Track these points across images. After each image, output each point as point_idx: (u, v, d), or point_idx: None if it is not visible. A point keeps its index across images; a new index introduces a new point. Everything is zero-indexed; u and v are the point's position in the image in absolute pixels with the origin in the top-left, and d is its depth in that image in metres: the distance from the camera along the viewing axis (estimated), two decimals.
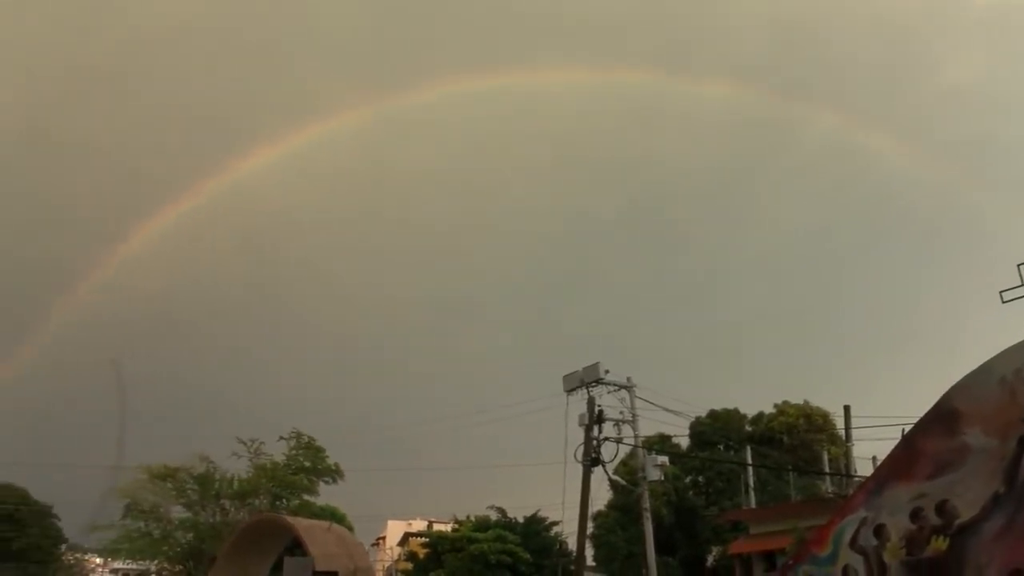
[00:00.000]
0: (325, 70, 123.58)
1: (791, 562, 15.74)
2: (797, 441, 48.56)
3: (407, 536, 66.75)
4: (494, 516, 46.26)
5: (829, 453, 42.59)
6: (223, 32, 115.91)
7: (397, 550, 70.31)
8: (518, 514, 46.93)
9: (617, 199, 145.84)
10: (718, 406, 51.49)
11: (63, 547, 76.06)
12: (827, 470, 40.94)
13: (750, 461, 43.33)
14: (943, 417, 11.27)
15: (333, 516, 44.30)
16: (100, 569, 79.64)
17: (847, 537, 12.31)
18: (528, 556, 43.08)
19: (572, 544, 41.87)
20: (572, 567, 40.57)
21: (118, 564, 72.37)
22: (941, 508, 10.92)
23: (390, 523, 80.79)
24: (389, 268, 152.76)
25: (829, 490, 38.15)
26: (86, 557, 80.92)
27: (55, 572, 56.87)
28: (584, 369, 27.31)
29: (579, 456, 26.50)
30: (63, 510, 74.69)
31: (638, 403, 28.96)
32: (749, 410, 52.32)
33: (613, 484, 35.46)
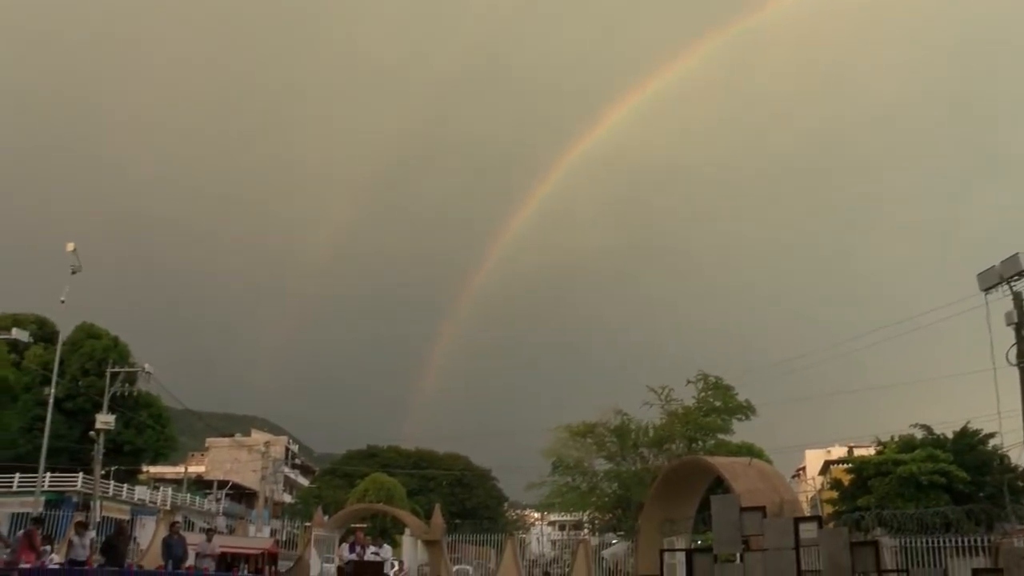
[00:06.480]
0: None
1: None
2: None
3: (827, 464, 64.97)
4: (919, 435, 43.33)
5: None
6: None
7: (818, 479, 68.77)
8: (945, 430, 43.57)
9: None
10: None
11: (505, 504, 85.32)
12: None
13: None
14: None
15: (750, 452, 44.09)
16: (538, 522, 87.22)
17: None
18: (965, 474, 39.90)
19: (1016, 457, 38.22)
20: (1021, 483, 37.17)
21: (553, 516, 79.03)
22: None
23: (808, 453, 79.23)
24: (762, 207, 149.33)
25: None
26: (525, 512, 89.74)
27: (504, 526, 63.62)
28: (1002, 263, 24.57)
29: (1011, 358, 24.02)
30: (500, 472, 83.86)
31: None
32: None
33: None
